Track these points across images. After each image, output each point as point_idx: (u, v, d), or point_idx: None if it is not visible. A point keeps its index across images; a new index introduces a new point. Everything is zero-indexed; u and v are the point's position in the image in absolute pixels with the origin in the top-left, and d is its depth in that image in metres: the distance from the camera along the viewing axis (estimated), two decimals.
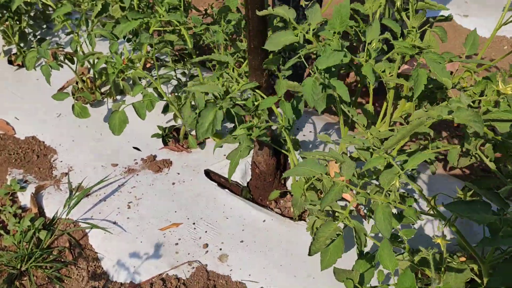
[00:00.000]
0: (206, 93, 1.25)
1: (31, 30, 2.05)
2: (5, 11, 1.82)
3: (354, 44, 1.34)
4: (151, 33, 1.50)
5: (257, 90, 1.10)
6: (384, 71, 1.00)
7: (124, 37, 1.52)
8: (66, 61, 1.62)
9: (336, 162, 0.97)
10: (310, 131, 1.64)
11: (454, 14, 2.17)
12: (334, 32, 0.90)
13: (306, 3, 1.60)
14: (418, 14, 0.91)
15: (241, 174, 1.49)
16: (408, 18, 1.06)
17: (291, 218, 1.35)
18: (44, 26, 2.15)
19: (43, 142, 1.68)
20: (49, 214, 1.42)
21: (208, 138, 1.60)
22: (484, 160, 0.76)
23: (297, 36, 1.01)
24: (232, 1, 1.28)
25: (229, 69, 1.19)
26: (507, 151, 0.71)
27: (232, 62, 1.16)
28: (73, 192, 1.46)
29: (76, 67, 1.67)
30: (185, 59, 1.84)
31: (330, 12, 1.63)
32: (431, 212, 0.76)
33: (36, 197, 1.46)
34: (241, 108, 1.09)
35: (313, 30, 1.01)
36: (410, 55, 0.92)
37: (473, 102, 0.92)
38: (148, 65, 1.98)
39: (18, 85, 1.90)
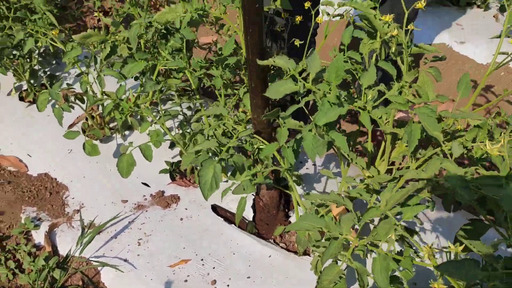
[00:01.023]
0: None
1: (41, 67, 2.12)
2: (16, 52, 1.89)
3: (351, 88, 1.40)
4: (156, 75, 1.57)
5: (256, 136, 1.16)
6: (381, 117, 1.05)
7: (131, 76, 1.59)
8: (77, 101, 1.68)
9: (337, 206, 1.01)
10: (313, 164, 1.69)
11: (450, 41, 2.22)
12: (331, 86, 0.95)
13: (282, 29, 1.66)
14: (411, 72, 0.96)
15: (247, 208, 1.54)
16: (402, 63, 1.12)
17: (296, 253, 1.40)
18: (54, 62, 2.23)
19: (55, 179, 1.74)
20: (63, 251, 1.47)
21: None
22: (478, 211, 0.80)
23: (296, 85, 1.07)
24: (227, 47, 1.34)
25: (225, 119, 1.25)
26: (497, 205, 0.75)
27: (226, 113, 1.22)
28: (85, 230, 1.51)
29: (86, 106, 1.74)
30: (191, 94, 1.90)
31: (328, 43, 1.69)
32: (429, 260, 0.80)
33: (50, 235, 1.51)
34: (242, 155, 1.15)
35: (313, 79, 1.07)
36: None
37: (466, 148, 0.97)
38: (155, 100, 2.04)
39: (29, 122, 1.97)
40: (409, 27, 1.11)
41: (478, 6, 2.45)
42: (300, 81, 1.05)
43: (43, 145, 1.86)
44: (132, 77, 1.63)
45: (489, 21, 2.34)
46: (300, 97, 1.09)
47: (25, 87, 2.12)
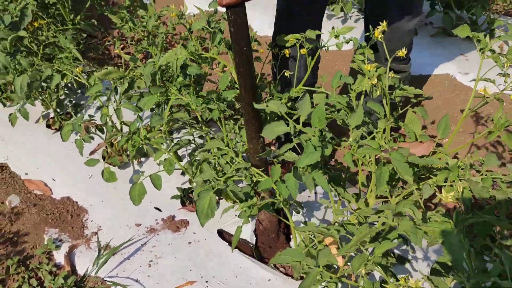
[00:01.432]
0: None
1: (66, 97, 2.30)
2: (44, 84, 2.07)
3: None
4: (169, 107, 1.70)
5: (252, 168, 1.27)
6: (364, 156, 1.15)
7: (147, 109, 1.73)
8: (97, 131, 1.83)
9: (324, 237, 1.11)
10: (314, 191, 1.79)
11: (455, 71, 2.30)
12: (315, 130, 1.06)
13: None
14: (383, 119, 1.06)
15: (250, 232, 1.65)
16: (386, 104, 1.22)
17: (293, 277, 1.49)
18: (79, 91, 2.40)
19: (76, 202, 1.89)
20: (80, 271, 1.61)
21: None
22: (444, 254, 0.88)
23: (288, 126, 1.18)
24: (223, 82, 1.47)
25: (223, 151, 1.37)
26: None
27: (225, 145, 1.34)
28: (102, 251, 1.64)
29: (105, 136, 1.89)
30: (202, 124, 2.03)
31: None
32: None
33: (69, 256, 1.65)
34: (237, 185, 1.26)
35: (303, 120, 1.18)
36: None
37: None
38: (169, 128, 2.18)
39: (55, 148, 2.13)
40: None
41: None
42: (291, 123, 1.16)
43: (67, 170, 2.02)
44: (148, 109, 1.78)
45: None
46: (293, 136, 1.21)
47: (52, 115, 2.30)
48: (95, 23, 2.35)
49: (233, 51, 1.15)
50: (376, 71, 1.23)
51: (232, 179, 1.35)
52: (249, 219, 1.52)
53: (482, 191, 0.98)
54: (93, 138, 1.76)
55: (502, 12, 2.79)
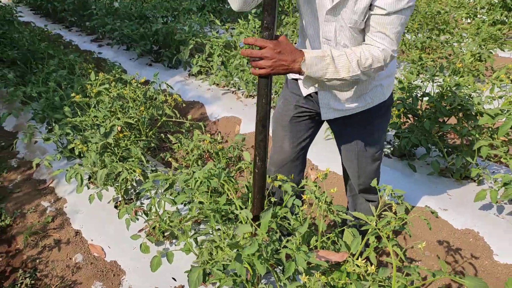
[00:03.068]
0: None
1: (131, 188, 3.09)
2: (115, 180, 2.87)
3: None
4: (194, 208, 2.37)
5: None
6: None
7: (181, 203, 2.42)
8: (143, 215, 2.54)
9: None
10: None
11: (435, 206, 2.75)
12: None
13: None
14: (319, 235, 1.63)
15: None
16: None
17: None
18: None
19: (120, 265, 2.55)
20: None
21: None
22: None
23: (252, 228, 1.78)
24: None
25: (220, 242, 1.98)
26: None
27: (220, 242, 1.95)
28: None
29: (149, 218, 2.59)
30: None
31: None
32: None
33: None
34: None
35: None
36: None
37: None
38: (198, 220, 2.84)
39: (115, 224, 2.87)
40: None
41: (474, 181, 2.97)
42: (253, 226, 1.76)
43: (118, 241, 2.72)
44: (182, 204, 2.47)
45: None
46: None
47: (120, 199, 3.08)
48: (163, 136, 3.20)
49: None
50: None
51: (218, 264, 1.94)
52: None
53: None
54: (137, 219, 2.46)
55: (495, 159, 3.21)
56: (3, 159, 3.96)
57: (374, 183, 1.73)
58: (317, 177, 3.29)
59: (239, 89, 4.77)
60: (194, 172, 2.21)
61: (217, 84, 4.93)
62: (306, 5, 1.71)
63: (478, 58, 4.24)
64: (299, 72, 1.54)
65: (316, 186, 1.88)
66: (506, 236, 2.47)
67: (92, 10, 7.40)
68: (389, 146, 3.42)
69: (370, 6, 1.55)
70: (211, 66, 4.74)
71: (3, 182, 3.57)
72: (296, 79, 2.06)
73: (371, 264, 1.54)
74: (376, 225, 1.53)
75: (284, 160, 2.21)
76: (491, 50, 4.17)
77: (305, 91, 2.01)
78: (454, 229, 2.62)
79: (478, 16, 5.68)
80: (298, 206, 1.87)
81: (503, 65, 4.05)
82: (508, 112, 2.41)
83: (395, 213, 1.68)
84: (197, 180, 2.16)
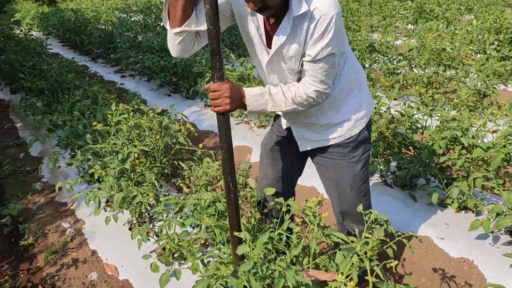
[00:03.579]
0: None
1: (145, 211, 3.29)
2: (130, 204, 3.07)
3: None
4: (202, 231, 2.55)
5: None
6: None
7: (189, 226, 2.60)
8: (155, 236, 2.73)
9: None
10: None
11: (433, 235, 2.87)
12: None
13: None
14: (310, 257, 1.79)
15: None
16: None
17: None
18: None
19: (132, 284, 2.72)
20: None
21: None
22: None
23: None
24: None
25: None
26: None
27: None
28: None
29: (159, 238, 2.77)
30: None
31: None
32: None
33: None
34: None
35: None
36: None
37: None
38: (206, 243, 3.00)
39: (129, 245, 3.06)
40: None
41: (473, 211, 3.08)
42: (251, 246, 1.93)
43: (131, 260, 2.90)
44: (190, 226, 2.65)
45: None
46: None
47: (134, 221, 3.28)
48: (176, 163, 3.41)
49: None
50: None
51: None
52: None
53: None
54: (149, 239, 2.65)
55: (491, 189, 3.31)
56: (28, 182, 4.22)
57: (360, 208, 1.88)
58: (321, 205, 3.44)
59: (251, 119, 4.99)
60: (201, 197, 2.40)
61: (231, 115, 5.17)
62: (253, 58, 2.00)
63: (483, 94, 4.39)
64: (245, 108, 1.83)
65: (311, 210, 2.04)
66: (499, 265, 2.56)
67: (117, 43, 7.82)
68: (392, 176, 3.56)
69: (304, 54, 1.77)
70: None
71: (28, 204, 3.81)
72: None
73: (351, 280, 1.69)
74: (356, 246, 1.68)
75: (268, 185, 2.38)
76: (495, 86, 4.31)
77: (284, 124, 2.21)
78: (450, 257, 2.72)
79: (488, 52, 5.84)
80: (292, 230, 2.03)
81: (506, 100, 4.19)
82: (499, 146, 2.55)
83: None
84: (205, 203, 2.35)
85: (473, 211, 3.07)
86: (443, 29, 7.02)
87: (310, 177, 3.60)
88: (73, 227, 3.38)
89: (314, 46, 1.70)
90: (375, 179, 3.59)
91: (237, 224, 2.05)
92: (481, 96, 4.39)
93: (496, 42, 6.26)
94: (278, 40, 1.76)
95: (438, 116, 3.11)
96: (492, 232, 2.80)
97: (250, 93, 1.81)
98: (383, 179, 3.59)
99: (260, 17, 1.81)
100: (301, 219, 1.96)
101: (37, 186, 4.15)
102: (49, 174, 4.34)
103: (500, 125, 2.90)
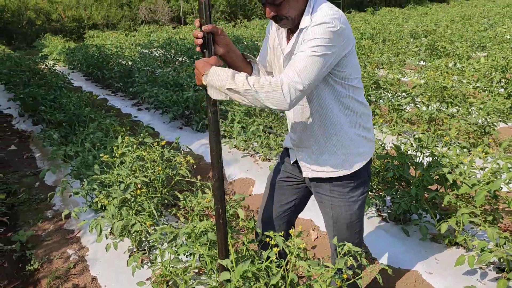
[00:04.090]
0: None
1: (145, 240, 3.42)
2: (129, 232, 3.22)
3: None
4: (194, 259, 2.66)
5: None
6: None
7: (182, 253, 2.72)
8: (149, 263, 2.85)
9: None
10: None
11: (422, 270, 2.91)
12: None
13: None
14: None
15: None
16: None
17: None
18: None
19: None
20: None
21: None
22: None
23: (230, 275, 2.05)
24: None
25: None
26: None
27: None
28: None
29: (153, 265, 2.89)
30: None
31: None
32: None
33: None
34: None
35: None
36: None
37: None
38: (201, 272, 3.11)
39: (128, 272, 3.18)
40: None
41: (464, 247, 3.11)
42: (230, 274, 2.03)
43: (128, 286, 3.02)
44: (184, 254, 2.77)
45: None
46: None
47: (134, 249, 3.41)
48: (176, 194, 3.56)
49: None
50: None
51: None
52: None
53: None
54: (143, 267, 2.77)
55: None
56: (40, 210, 4.43)
57: (349, 246, 1.97)
58: (317, 237, 3.52)
59: (257, 153, 5.15)
60: (194, 226, 2.53)
61: (238, 148, 5.33)
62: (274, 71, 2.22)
63: (483, 131, 4.45)
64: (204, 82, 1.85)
65: (292, 241, 2.15)
66: None
67: (134, 78, 8.17)
68: (389, 211, 3.62)
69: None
70: (233, 131, 5.16)
71: (38, 231, 4.00)
72: (287, 148, 2.39)
73: None
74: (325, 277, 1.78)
75: (269, 217, 2.48)
76: (494, 123, 4.38)
77: (292, 158, 2.32)
78: None
79: (494, 89, 5.91)
80: (272, 260, 2.13)
81: (507, 137, 4.24)
82: (483, 183, 2.62)
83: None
84: (198, 231, 2.47)
85: (464, 247, 3.10)
86: (452, 67, 7.13)
87: (309, 209, 3.68)
88: (77, 254, 3.53)
89: (304, 42, 1.84)
90: (371, 213, 3.66)
91: (225, 250, 2.17)
92: (482, 133, 4.45)
93: (504, 80, 6.33)
94: (287, 48, 2.01)
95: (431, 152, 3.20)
96: (481, 268, 2.83)
97: (217, 67, 1.83)
98: (379, 213, 3.65)
99: (283, 35, 2.09)
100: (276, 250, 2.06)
101: (48, 213, 4.34)
102: (61, 203, 4.54)
103: (489, 162, 2.97)
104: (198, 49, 1.94)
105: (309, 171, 2.24)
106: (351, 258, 1.96)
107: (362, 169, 2.18)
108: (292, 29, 2.02)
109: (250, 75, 2.06)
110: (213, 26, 1.89)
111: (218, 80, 1.78)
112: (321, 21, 1.81)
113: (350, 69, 2.00)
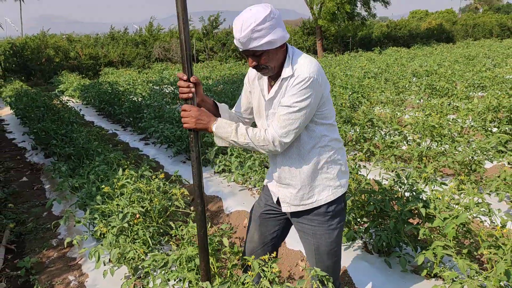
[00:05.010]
0: None
1: (141, 268, 3.62)
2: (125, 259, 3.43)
3: None
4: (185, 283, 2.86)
5: None
6: None
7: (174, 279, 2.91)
8: None
9: None
10: None
11: None
12: None
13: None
14: None
15: None
16: None
17: None
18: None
19: None
20: None
21: None
22: None
23: None
24: None
25: None
26: None
27: None
28: None
29: None
30: None
31: None
32: None
33: None
34: None
35: None
36: None
37: None
38: None
39: None
40: None
41: (442, 279, 3.25)
42: None
43: None
44: (174, 280, 2.96)
45: None
46: None
47: (130, 276, 3.60)
48: (172, 224, 3.79)
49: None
50: None
51: None
52: None
53: None
54: None
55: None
56: (46, 239, 4.67)
57: (317, 270, 2.16)
58: (305, 267, 3.68)
59: (255, 186, 5.37)
60: (181, 253, 2.75)
61: (236, 182, 5.56)
62: (256, 119, 2.44)
63: (469, 168, 4.64)
64: (211, 130, 2.15)
65: (267, 266, 2.35)
66: None
67: (143, 114, 8.54)
68: (374, 243, 3.79)
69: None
70: (232, 165, 5.41)
71: (42, 258, 4.22)
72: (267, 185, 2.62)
73: None
74: None
75: (254, 248, 2.68)
76: (481, 161, 4.57)
77: (274, 197, 2.53)
78: None
79: (489, 128, 6.12)
80: (248, 283, 2.32)
81: (492, 175, 4.41)
82: (452, 217, 2.81)
83: None
84: (185, 256, 2.68)
85: (442, 279, 3.25)
86: (447, 106, 7.37)
87: (298, 241, 3.87)
88: (77, 280, 3.74)
89: (287, 97, 2.11)
90: (357, 245, 3.83)
91: (206, 273, 2.37)
92: (469, 170, 4.64)
93: (496, 120, 6.54)
94: (269, 94, 2.25)
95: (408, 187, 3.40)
96: None
97: (222, 120, 2.17)
98: (365, 245, 3.82)
99: (265, 82, 2.32)
100: (251, 273, 2.26)
101: (53, 242, 4.58)
102: (65, 232, 4.78)
103: (463, 197, 3.15)
104: (182, 97, 2.19)
105: (288, 206, 2.43)
106: (317, 281, 2.15)
107: (339, 199, 2.38)
108: (273, 76, 2.29)
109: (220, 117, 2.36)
110: (197, 77, 2.18)
111: (224, 132, 2.16)
112: (303, 77, 2.08)
113: (327, 109, 2.25)
